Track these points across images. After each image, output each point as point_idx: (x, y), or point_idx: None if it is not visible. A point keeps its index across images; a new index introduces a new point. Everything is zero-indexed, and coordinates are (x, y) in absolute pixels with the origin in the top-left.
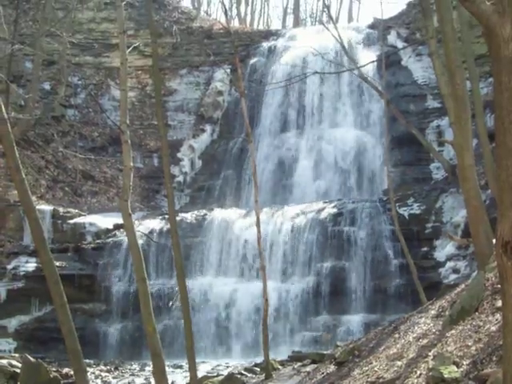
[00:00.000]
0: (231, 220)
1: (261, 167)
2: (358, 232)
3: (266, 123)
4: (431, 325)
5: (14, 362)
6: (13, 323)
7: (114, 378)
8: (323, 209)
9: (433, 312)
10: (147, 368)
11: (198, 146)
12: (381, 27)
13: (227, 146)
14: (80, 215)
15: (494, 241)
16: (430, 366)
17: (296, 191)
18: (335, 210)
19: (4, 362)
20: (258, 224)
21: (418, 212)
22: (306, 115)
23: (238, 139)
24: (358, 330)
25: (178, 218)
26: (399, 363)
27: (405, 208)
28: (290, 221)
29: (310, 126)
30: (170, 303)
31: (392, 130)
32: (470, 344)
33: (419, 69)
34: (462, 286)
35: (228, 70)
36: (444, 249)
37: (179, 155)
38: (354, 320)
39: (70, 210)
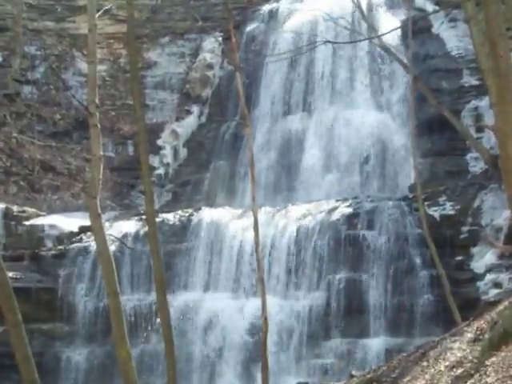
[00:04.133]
0: (223, 222)
1: (259, 157)
2: (378, 237)
3: (266, 104)
4: (467, 351)
5: None
6: None
7: None
8: (335, 209)
9: (469, 335)
10: None
11: (183, 132)
12: None
13: (218, 131)
14: (38, 215)
15: None
16: None
17: (302, 187)
18: (350, 211)
19: None
20: (255, 227)
21: (451, 213)
22: (315, 94)
23: (232, 123)
24: (377, 357)
25: (157, 220)
26: None
27: (435, 208)
28: (295, 223)
29: (319, 107)
30: (148, 323)
31: (420, 112)
32: None
33: (453, 38)
34: (505, 303)
35: (220, 39)
36: (483, 258)
37: (160, 142)
38: (373, 345)
39: (25, 208)
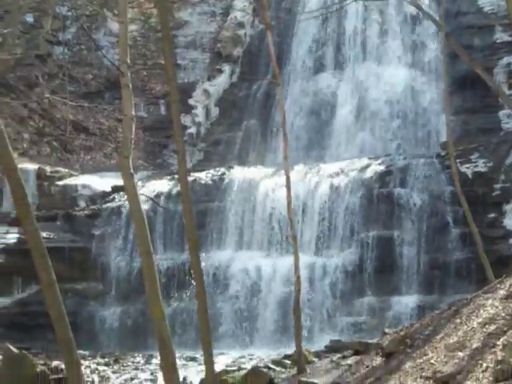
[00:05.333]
0: (255, 180)
1: (291, 116)
2: (411, 194)
3: (298, 62)
4: (500, 308)
5: None
6: None
7: (113, 372)
8: (368, 166)
9: (502, 292)
10: (154, 361)
11: (215, 91)
12: None
13: (250, 90)
14: (71, 175)
15: None
16: (499, 358)
17: (334, 145)
18: (382, 168)
19: None
20: (287, 185)
21: (483, 170)
22: (346, 52)
23: (263, 82)
24: (410, 315)
25: (190, 179)
26: (461, 354)
27: (468, 165)
28: (328, 181)
29: (351, 65)
30: (181, 282)
31: (452, 69)
32: None
33: None
34: None
35: None
36: None
37: (191, 102)
38: (406, 302)
39: (58, 169)
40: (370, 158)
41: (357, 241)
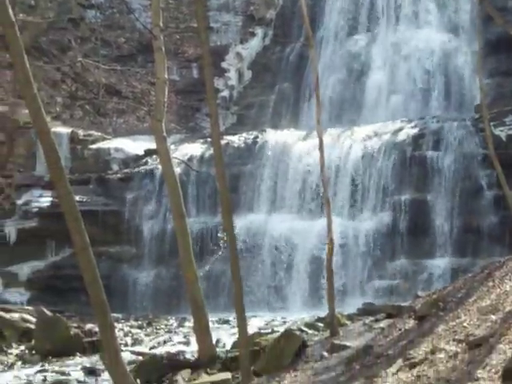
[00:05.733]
0: (288, 143)
1: (324, 79)
2: (444, 157)
3: (331, 24)
4: None
5: (28, 317)
6: (25, 270)
7: (146, 335)
8: (401, 129)
9: None
10: (187, 323)
11: (247, 54)
12: None
13: (283, 53)
14: (104, 139)
15: None
16: None
17: (367, 108)
18: (416, 131)
19: (15, 316)
20: (320, 148)
21: None
22: (380, 14)
23: (296, 45)
24: (443, 278)
25: (223, 142)
26: (494, 317)
27: (501, 128)
28: (361, 144)
29: (384, 27)
30: (214, 245)
31: (486, 31)
32: None
33: None
34: None
35: None
36: None
37: (224, 65)
38: (439, 265)
39: (91, 132)
40: (403, 121)
41: (390, 204)
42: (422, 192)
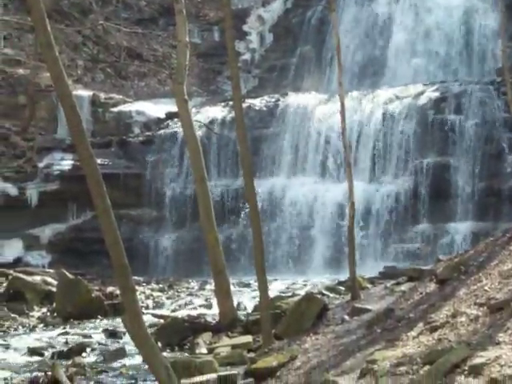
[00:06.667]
0: (310, 107)
1: (346, 42)
2: (466, 121)
3: None
4: None
5: (49, 279)
6: (46, 233)
7: (167, 298)
8: (423, 92)
9: None
10: (208, 287)
11: (269, 17)
12: None
13: (304, 15)
14: (125, 102)
15: None
16: None
17: (389, 71)
18: (437, 95)
19: (37, 278)
20: (342, 111)
21: None
22: None
23: (318, 7)
24: (464, 241)
25: (244, 105)
26: None
27: None
28: (382, 107)
29: None
30: (235, 208)
31: None
32: None
33: None
34: None
35: None
36: None
37: (245, 28)
38: (460, 229)
39: (112, 95)
40: (424, 85)
41: (411, 168)
42: (443, 156)
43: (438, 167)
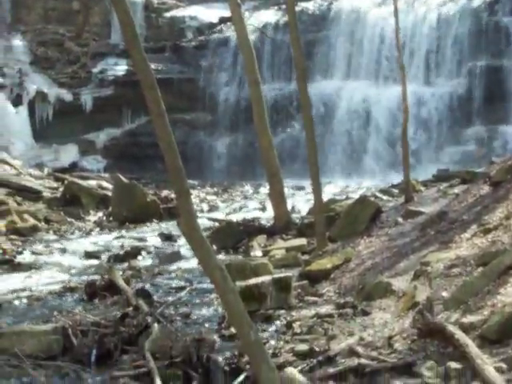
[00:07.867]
0: (363, 10)
1: None
2: None
3: None
4: None
5: (104, 184)
6: (101, 138)
7: (222, 201)
8: None
9: None
10: (262, 190)
11: None
12: None
13: None
14: (178, 7)
15: None
16: None
17: None
18: None
19: (93, 183)
20: (395, 14)
21: None
22: None
23: None
24: None
25: (297, 9)
26: None
27: None
28: (436, 10)
29: None
30: (289, 112)
31: None
32: None
33: None
34: None
35: None
36: None
37: None
38: None
39: (165, 0)
40: None
41: (465, 70)
42: (497, 58)
43: (492, 69)
